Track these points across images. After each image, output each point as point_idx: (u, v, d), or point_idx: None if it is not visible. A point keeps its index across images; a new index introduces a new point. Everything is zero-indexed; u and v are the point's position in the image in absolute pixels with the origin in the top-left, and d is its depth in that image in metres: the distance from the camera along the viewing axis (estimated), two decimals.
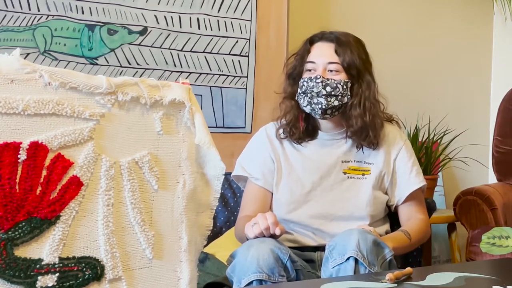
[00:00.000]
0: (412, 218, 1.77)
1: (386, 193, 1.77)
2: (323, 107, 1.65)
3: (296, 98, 1.72)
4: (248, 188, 1.77)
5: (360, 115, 1.68)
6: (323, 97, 1.65)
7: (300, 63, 1.72)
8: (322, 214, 1.69)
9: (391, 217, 1.83)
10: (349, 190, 1.71)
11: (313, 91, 1.65)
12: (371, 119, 1.69)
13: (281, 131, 1.76)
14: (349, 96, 1.69)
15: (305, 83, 1.68)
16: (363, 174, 1.73)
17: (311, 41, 1.74)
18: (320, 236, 1.69)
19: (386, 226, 1.79)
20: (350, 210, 1.69)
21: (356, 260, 1.43)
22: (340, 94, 1.66)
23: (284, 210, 1.71)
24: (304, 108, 1.70)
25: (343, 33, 1.73)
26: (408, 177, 1.75)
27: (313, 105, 1.66)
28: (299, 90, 1.70)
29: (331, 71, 1.68)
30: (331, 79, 1.66)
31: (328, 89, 1.65)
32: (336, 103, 1.66)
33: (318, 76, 1.66)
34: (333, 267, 1.46)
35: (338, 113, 1.70)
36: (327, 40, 1.71)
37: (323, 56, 1.69)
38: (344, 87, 1.67)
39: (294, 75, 1.73)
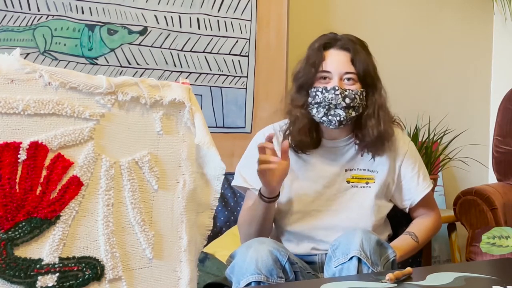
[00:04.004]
0: (421, 217, 1.79)
1: (390, 200, 1.76)
2: (341, 119, 1.60)
3: (307, 108, 1.65)
4: (249, 195, 1.73)
5: (376, 125, 1.64)
6: (342, 109, 1.60)
7: (314, 71, 1.64)
8: (326, 225, 1.67)
9: (392, 218, 1.82)
10: (353, 199, 1.69)
11: (331, 103, 1.59)
12: (385, 128, 1.65)
13: (288, 140, 1.67)
14: (364, 106, 1.65)
15: (319, 94, 1.61)
16: (367, 183, 1.70)
17: (324, 47, 1.66)
18: (320, 247, 1.67)
19: (388, 231, 1.79)
20: (355, 220, 1.67)
21: (359, 260, 1.43)
22: (357, 105, 1.62)
23: (287, 221, 1.70)
24: (319, 119, 1.64)
25: (349, 36, 1.68)
26: (417, 182, 1.74)
27: (330, 117, 1.61)
28: (311, 100, 1.63)
29: (346, 81, 1.62)
30: (349, 89, 1.61)
31: (347, 100, 1.60)
32: (353, 114, 1.62)
33: (337, 87, 1.59)
34: (336, 266, 1.46)
35: (350, 123, 1.66)
36: (341, 48, 1.65)
37: (339, 66, 1.63)
38: (361, 97, 1.63)
39: (307, 84, 1.65)
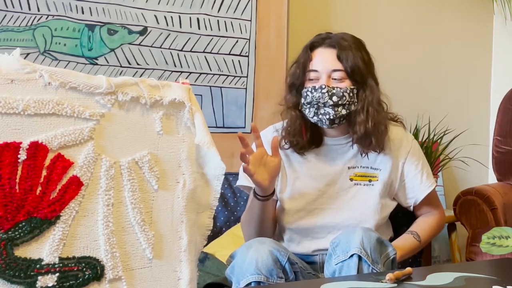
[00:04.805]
0: (425, 215, 1.79)
1: (394, 199, 1.76)
2: (331, 117, 1.60)
3: (300, 108, 1.66)
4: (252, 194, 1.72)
5: (364, 122, 1.62)
6: (330, 107, 1.59)
7: (302, 72, 1.64)
8: (329, 224, 1.67)
9: (394, 218, 1.82)
10: (355, 197, 1.69)
11: (319, 101, 1.59)
12: (373, 126, 1.63)
13: (284, 141, 1.70)
14: (356, 103, 1.63)
15: (309, 93, 1.61)
16: (370, 181, 1.69)
17: (311, 47, 1.66)
18: (322, 246, 1.67)
19: (390, 232, 1.79)
20: (358, 219, 1.66)
21: (359, 258, 1.43)
22: (347, 103, 1.61)
23: (290, 219, 1.69)
24: (311, 119, 1.64)
25: (343, 35, 1.67)
26: (421, 180, 1.73)
27: (320, 116, 1.61)
28: (303, 100, 1.63)
29: (335, 78, 1.61)
30: (337, 87, 1.60)
31: (335, 98, 1.59)
32: (343, 112, 1.61)
33: (323, 86, 1.59)
34: (336, 264, 1.46)
35: (345, 121, 1.65)
36: (328, 45, 1.64)
37: (326, 64, 1.62)
38: (351, 94, 1.61)
39: (297, 85, 1.66)
